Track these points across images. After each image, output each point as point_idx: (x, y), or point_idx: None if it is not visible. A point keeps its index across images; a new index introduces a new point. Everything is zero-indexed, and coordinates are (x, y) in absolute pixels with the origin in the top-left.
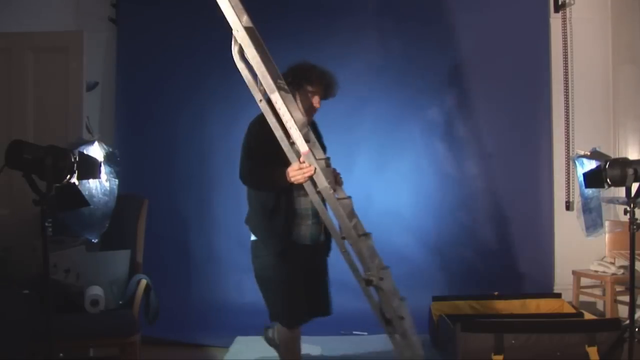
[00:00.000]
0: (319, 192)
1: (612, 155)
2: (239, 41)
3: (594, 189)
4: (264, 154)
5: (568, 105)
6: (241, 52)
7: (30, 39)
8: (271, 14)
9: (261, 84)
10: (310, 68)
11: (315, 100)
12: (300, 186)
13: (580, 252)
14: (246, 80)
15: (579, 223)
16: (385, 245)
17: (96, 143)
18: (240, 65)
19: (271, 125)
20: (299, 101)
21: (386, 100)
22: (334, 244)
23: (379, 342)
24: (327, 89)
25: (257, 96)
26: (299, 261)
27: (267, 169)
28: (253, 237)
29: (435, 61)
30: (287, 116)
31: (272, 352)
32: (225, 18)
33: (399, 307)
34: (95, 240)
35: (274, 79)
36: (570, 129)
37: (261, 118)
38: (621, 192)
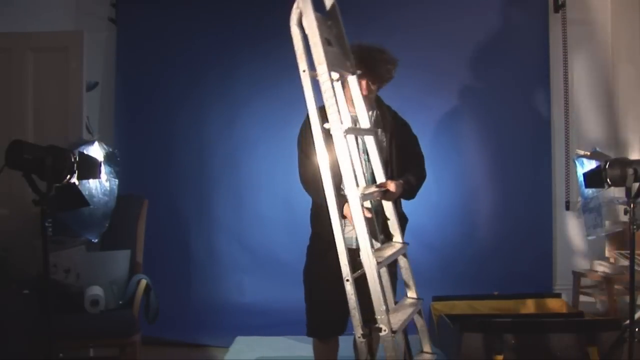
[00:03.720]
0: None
1: (612, 155)
2: (300, 7)
3: (594, 189)
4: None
5: (568, 105)
6: (300, 19)
7: (30, 39)
8: (270, 13)
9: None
10: (354, 48)
11: (362, 86)
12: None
13: (580, 252)
14: (295, 48)
15: (579, 223)
16: None
17: (96, 143)
18: (294, 30)
19: (306, 99)
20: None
21: (385, 99)
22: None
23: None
24: (373, 71)
25: (302, 66)
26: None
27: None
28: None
29: (434, 61)
30: (329, 93)
31: (272, 352)
32: (224, 19)
33: None
34: (95, 240)
35: (338, 57)
36: (570, 129)
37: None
38: (621, 192)
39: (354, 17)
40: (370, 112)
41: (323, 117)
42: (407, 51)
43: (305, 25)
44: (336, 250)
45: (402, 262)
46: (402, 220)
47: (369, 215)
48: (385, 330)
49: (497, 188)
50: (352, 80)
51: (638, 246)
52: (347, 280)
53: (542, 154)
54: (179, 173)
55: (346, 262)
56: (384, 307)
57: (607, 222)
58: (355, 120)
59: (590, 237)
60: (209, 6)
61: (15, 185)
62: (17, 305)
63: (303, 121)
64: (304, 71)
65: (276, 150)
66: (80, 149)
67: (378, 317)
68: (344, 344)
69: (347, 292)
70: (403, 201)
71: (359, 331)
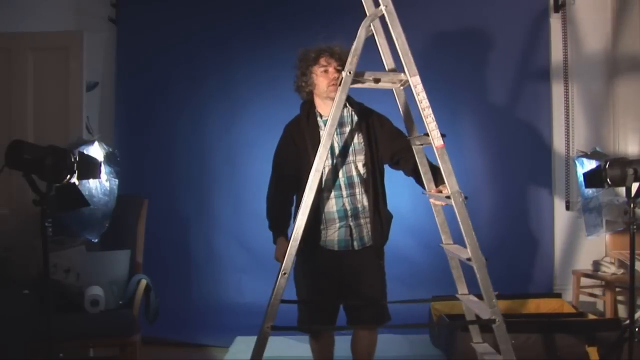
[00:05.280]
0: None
1: (612, 155)
2: (386, 14)
3: (594, 189)
4: (283, 167)
5: (568, 105)
6: (370, 24)
7: (30, 39)
8: (270, 14)
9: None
10: (305, 50)
11: (331, 73)
12: (328, 187)
13: (580, 252)
14: (354, 47)
15: (579, 223)
16: (386, 246)
17: (96, 143)
18: (362, 32)
19: (336, 100)
20: (319, 85)
21: (385, 99)
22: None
23: (380, 342)
24: (333, 54)
25: (350, 67)
26: (323, 267)
27: (278, 207)
28: None
29: (433, 61)
30: (425, 103)
31: (272, 352)
32: (224, 19)
33: None
34: (95, 240)
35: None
36: (570, 129)
37: (292, 122)
38: (621, 192)
39: (355, 15)
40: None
41: (308, 113)
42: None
43: (394, 34)
44: (320, 251)
45: (455, 261)
46: (388, 217)
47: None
48: (498, 321)
49: (497, 188)
50: (400, 91)
51: (638, 246)
52: (285, 274)
53: (542, 154)
54: (179, 173)
55: (292, 258)
56: (495, 300)
57: (607, 222)
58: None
59: (590, 237)
60: (209, 6)
61: (15, 185)
62: (17, 305)
63: (282, 134)
64: (349, 73)
65: None
66: (80, 149)
67: (490, 309)
68: (344, 344)
69: (278, 286)
70: (404, 199)
71: (269, 322)
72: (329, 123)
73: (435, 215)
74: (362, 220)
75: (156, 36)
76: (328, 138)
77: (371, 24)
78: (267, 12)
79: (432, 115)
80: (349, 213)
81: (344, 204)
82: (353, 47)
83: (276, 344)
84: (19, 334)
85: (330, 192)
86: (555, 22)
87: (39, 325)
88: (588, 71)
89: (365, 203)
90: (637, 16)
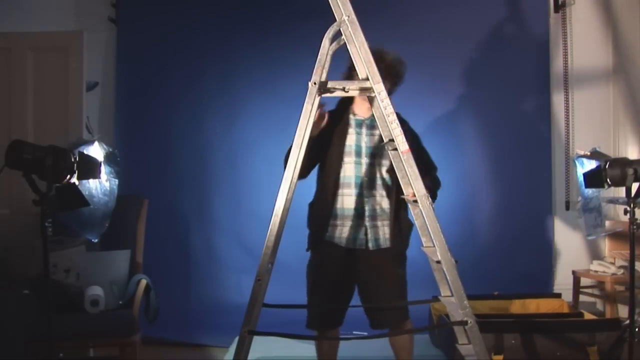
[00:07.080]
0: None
1: (612, 155)
2: (348, 24)
3: (594, 189)
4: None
5: (568, 105)
6: (335, 35)
7: (30, 39)
8: (270, 11)
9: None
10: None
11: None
12: (348, 184)
13: (580, 252)
14: (318, 59)
15: (579, 223)
16: None
17: (96, 143)
18: (326, 43)
19: (304, 110)
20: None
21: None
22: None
23: (378, 342)
24: (382, 60)
25: (315, 78)
26: (334, 263)
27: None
28: None
29: (434, 61)
30: (389, 109)
31: (272, 352)
32: (223, 19)
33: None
34: (95, 240)
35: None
36: (570, 129)
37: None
38: (621, 192)
39: (357, 11)
40: (369, 115)
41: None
42: (406, 50)
43: (357, 43)
44: (331, 248)
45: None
46: (408, 224)
47: None
48: (470, 322)
49: (497, 188)
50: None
51: (638, 246)
52: (259, 280)
53: (542, 154)
54: (179, 173)
55: (266, 265)
56: (467, 302)
57: (607, 222)
58: (361, 124)
59: (590, 237)
60: (208, 6)
61: (15, 185)
62: (17, 305)
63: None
64: (314, 83)
65: (275, 150)
66: (80, 149)
67: (462, 311)
68: (345, 345)
69: (252, 291)
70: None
71: (246, 326)
72: (297, 133)
73: (414, 219)
74: (379, 222)
75: (156, 36)
76: (295, 147)
77: (342, 33)
78: (267, 11)
79: (397, 121)
80: (367, 213)
81: (362, 203)
82: (317, 58)
83: (278, 344)
84: (19, 334)
85: (351, 189)
86: (555, 22)
87: (39, 325)
88: (588, 71)
89: (385, 206)
90: (637, 16)
